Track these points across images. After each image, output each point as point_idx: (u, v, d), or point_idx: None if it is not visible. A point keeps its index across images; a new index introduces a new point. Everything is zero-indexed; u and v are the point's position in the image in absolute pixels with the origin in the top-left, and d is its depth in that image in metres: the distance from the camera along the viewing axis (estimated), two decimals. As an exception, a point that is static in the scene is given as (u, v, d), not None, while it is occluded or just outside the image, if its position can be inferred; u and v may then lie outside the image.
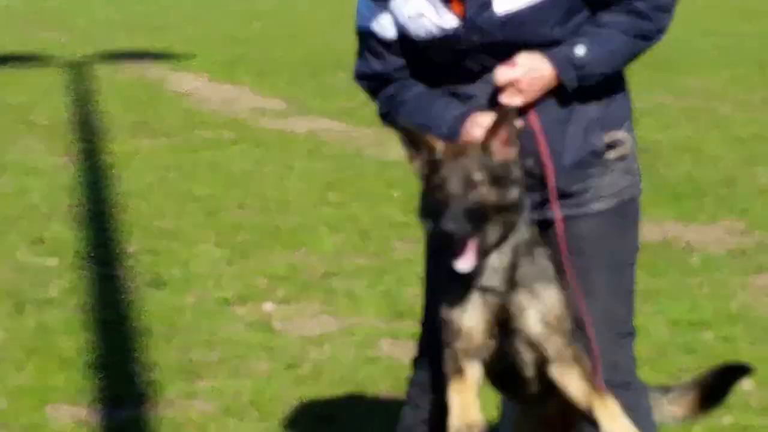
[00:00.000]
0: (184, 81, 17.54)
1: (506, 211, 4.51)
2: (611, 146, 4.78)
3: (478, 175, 4.47)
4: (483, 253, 4.48)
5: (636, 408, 4.70)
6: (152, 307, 8.25)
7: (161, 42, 21.14)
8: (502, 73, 4.63)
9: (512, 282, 4.55)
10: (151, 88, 16.83)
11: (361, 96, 15.72)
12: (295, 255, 9.48)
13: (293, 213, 10.62)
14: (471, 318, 4.57)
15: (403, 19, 4.80)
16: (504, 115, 4.55)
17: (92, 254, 9.39)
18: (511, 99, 4.63)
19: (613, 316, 4.78)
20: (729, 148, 11.88)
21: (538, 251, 4.61)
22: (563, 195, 4.73)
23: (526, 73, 4.64)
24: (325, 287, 8.72)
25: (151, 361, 7.36)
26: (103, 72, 18.01)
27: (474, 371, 4.58)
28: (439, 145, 4.56)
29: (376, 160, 12.50)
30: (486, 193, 4.47)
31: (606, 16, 4.71)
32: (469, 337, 4.57)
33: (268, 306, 8.35)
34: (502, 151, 4.52)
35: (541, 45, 4.68)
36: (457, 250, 4.43)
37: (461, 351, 4.57)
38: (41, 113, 14.94)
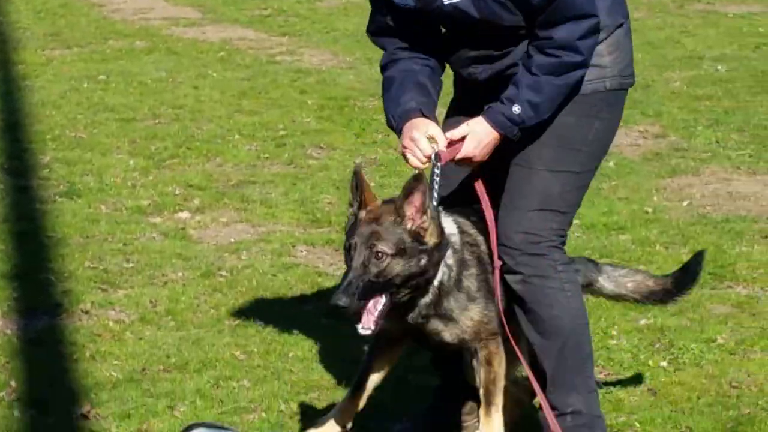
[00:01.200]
0: (96, -10, 17.40)
1: (414, 278, 4.79)
2: None
3: (383, 247, 4.74)
4: (395, 310, 4.83)
5: (550, 275, 4.96)
6: (67, 218, 8.18)
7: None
8: (460, 156, 4.89)
9: (433, 314, 4.92)
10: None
11: (274, 4, 15.65)
12: (210, 164, 9.43)
13: (208, 122, 10.56)
14: (390, 332, 5.02)
15: None
16: (417, 182, 4.77)
17: (5, 165, 9.31)
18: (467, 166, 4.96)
19: (543, 190, 4.97)
20: (642, 53, 11.87)
21: (464, 276, 4.97)
22: None
23: (477, 147, 4.87)
24: (240, 195, 8.68)
25: (66, 271, 7.30)
26: (14, -18, 17.88)
27: (371, 383, 5.13)
28: (367, 205, 4.86)
29: (289, 68, 12.46)
30: (388, 265, 4.74)
31: (535, 62, 4.82)
32: (380, 335, 5.00)
33: (183, 215, 8.31)
34: (415, 218, 4.77)
35: (512, 23, 4.85)
36: (357, 318, 4.76)
37: (375, 346, 5.16)
38: (-49, 24, 14.81)
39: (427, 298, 4.86)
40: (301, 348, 6.32)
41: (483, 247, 5.06)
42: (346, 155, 9.57)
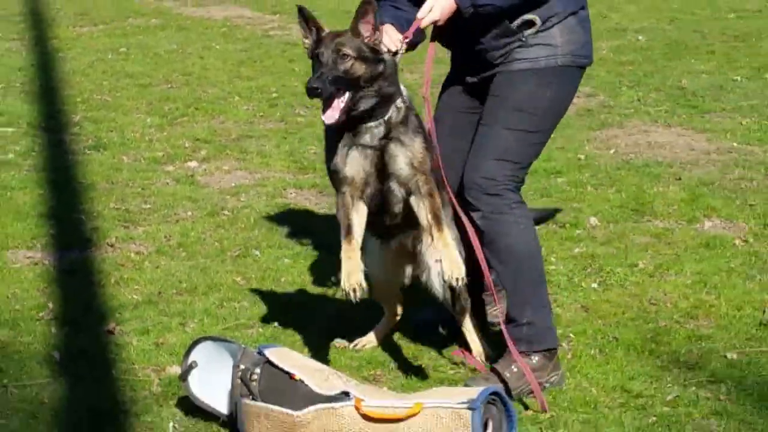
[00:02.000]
0: (117, -23, 17.31)
1: (374, 80, 4.78)
2: (525, 26, 4.97)
3: (347, 50, 4.75)
4: (352, 112, 4.75)
5: (505, 212, 4.99)
6: (94, 167, 8.17)
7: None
8: (425, 19, 4.89)
9: (387, 138, 4.83)
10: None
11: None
12: (214, 121, 9.41)
13: (212, 86, 10.54)
14: (352, 168, 4.86)
15: None
16: (368, 4, 4.77)
17: (42, 124, 9.29)
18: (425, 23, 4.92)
19: (501, 144, 5.02)
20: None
21: (411, 117, 4.90)
22: (493, 63, 5.05)
23: (436, 7, 4.87)
24: (239, 147, 8.67)
25: (94, 212, 7.28)
26: (48, -30, 17.77)
27: (358, 226, 4.91)
28: (323, 30, 4.86)
29: (280, 41, 12.44)
30: (352, 65, 4.74)
31: None
32: (352, 182, 4.87)
33: (192, 164, 8.30)
34: (370, 35, 4.78)
35: None
36: (324, 107, 4.74)
37: (348, 194, 4.90)
38: (-5, 5, 14.72)
39: (380, 129, 4.82)
40: (291, 274, 6.31)
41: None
42: (329, 113, 9.54)
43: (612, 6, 13.84)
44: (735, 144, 8.51)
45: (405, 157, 4.86)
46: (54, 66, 11.41)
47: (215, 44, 12.38)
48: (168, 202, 7.46)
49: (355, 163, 4.86)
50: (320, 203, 7.48)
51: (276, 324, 5.68)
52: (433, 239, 4.87)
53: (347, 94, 4.73)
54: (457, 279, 4.79)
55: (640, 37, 12.10)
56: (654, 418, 4.74)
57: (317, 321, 5.71)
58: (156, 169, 8.17)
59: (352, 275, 4.77)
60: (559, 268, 6.27)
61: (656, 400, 4.90)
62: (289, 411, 4.52)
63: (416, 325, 5.61)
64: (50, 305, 5.88)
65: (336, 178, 4.94)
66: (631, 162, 8.14)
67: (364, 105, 4.79)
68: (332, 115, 4.72)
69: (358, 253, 4.86)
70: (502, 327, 5.00)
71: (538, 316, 5.03)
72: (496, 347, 5.26)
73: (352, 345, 5.47)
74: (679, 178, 7.74)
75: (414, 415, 4.43)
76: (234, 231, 6.96)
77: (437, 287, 5.11)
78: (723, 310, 5.76)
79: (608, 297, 5.94)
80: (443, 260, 4.82)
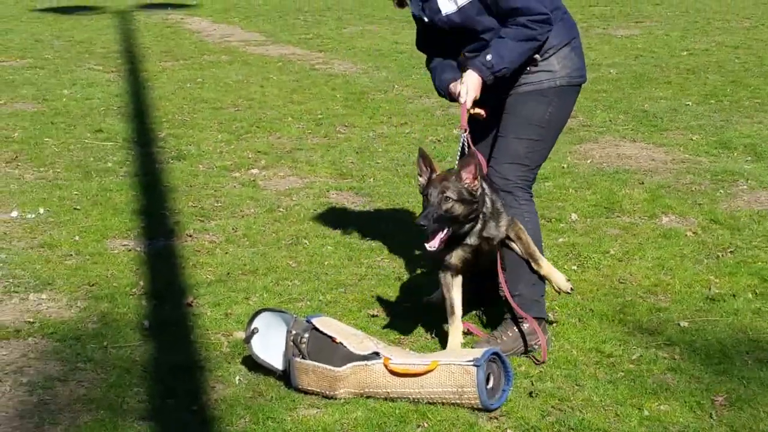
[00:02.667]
0: (194, 22, 17.26)
1: (469, 217, 4.79)
2: (529, 62, 5.02)
3: (450, 194, 4.72)
4: (453, 237, 4.79)
5: (515, 206, 5.02)
6: (176, 173, 8.15)
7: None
8: (464, 97, 4.94)
9: (482, 236, 4.88)
10: (173, 28, 16.54)
11: (314, 31, 15.55)
12: (272, 137, 9.39)
13: (270, 109, 10.51)
14: (457, 259, 4.92)
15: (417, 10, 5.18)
16: (471, 158, 4.79)
17: (135, 139, 9.27)
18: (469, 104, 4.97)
19: (512, 150, 5.07)
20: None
21: (496, 207, 4.91)
22: (507, 90, 5.08)
23: (470, 89, 4.93)
24: (292, 158, 8.64)
25: (176, 209, 7.27)
26: (140, 17, 17.73)
27: (457, 297, 4.96)
28: (435, 172, 4.82)
29: (324, 73, 12.40)
30: (452, 206, 4.72)
31: (503, 31, 4.92)
32: (455, 268, 4.95)
33: (254, 171, 8.27)
34: (470, 180, 4.75)
35: (483, 28, 4.99)
36: (429, 238, 4.69)
37: (449, 275, 4.96)
38: (99, 45, 14.70)
39: (477, 226, 4.85)
40: (333, 258, 6.30)
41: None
42: (363, 130, 9.52)
43: (590, 46, 13.74)
44: (687, 156, 8.46)
45: (498, 233, 4.92)
46: (144, 93, 11.41)
47: (272, 76, 12.36)
48: (235, 201, 7.45)
49: (457, 254, 4.92)
50: (356, 202, 7.45)
51: (320, 298, 5.67)
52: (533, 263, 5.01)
53: (448, 230, 4.74)
54: (567, 292, 5.04)
55: (611, 71, 12.03)
56: (622, 373, 4.73)
57: (354, 296, 5.70)
58: (225, 175, 8.16)
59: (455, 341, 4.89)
60: (546, 254, 6.15)
61: (623, 359, 4.88)
62: (331, 367, 4.53)
63: (428, 302, 5.59)
64: (141, 283, 5.89)
65: (444, 270, 4.97)
66: (604, 169, 8.10)
67: (462, 231, 4.83)
68: (433, 245, 4.72)
69: (460, 326, 4.94)
70: (509, 299, 4.99)
71: (527, 291, 5.02)
72: (495, 317, 5.25)
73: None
74: (642, 183, 7.70)
75: (431, 370, 4.43)
76: (287, 224, 6.95)
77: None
78: (677, 287, 5.73)
79: (585, 277, 5.91)
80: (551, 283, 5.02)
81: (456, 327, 4.92)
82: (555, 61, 5.05)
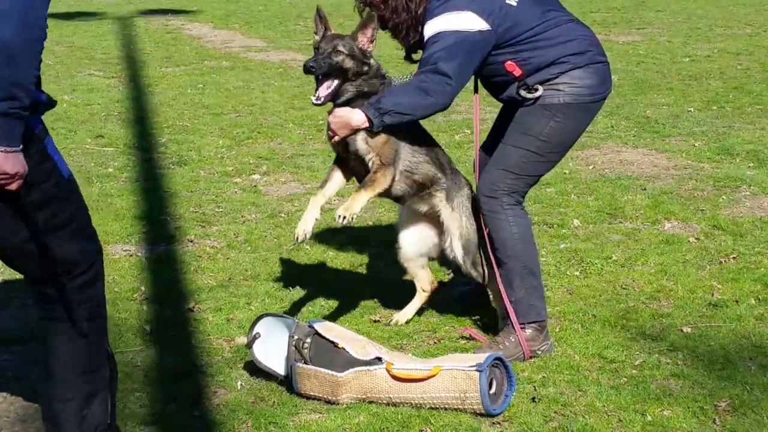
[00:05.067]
0: (195, 28, 17.31)
1: (358, 77, 4.77)
2: (532, 90, 4.95)
3: (341, 47, 4.76)
4: (335, 100, 4.79)
5: (500, 212, 4.98)
6: (177, 179, 8.16)
7: (180, 2, 20.83)
8: (336, 133, 4.88)
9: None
10: (174, 33, 16.58)
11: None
12: (273, 143, 9.41)
13: (271, 115, 10.53)
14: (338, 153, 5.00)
15: None
16: (369, 19, 4.81)
17: (136, 144, 9.30)
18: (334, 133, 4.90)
19: (505, 158, 5.03)
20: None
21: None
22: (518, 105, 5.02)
23: (343, 127, 4.82)
24: (293, 164, 8.66)
25: (177, 214, 7.28)
26: (141, 22, 17.78)
27: (334, 181, 5.05)
28: (330, 31, 4.87)
29: (326, 79, 12.41)
30: (342, 59, 4.75)
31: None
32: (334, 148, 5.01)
33: (255, 177, 8.29)
34: (365, 43, 4.80)
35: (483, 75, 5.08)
36: (316, 89, 4.78)
37: (336, 157, 5.05)
38: (99, 51, 14.74)
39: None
40: (335, 264, 6.32)
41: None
42: (364, 137, 9.55)
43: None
44: (689, 162, 8.47)
45: (363, 141, 4.84)
46: (145, 99, 11.43)
47: (273, 81, 12.38)
48: (236, 207, 7.46)
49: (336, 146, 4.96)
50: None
51: (322, 303, 5.68)
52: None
53: (335, 82, 4.76)
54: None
55: (613, 77, 12.02)
56: (625, 379, 4.73)
57: (356, 301, 5.71)
58: (227, 180, 8.17)
59: (305, 222, 4.96)
60: (549, 260, 6.25)
61: (626, 364, 4.88)
62: (334, 372, 4.53)
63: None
64: (142, 288, 5.90)
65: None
66: (606, 175, 8.11)
67: (347, 96, 4.80)
68: (319, 96, 4.78)
69: (323, 201, 5.03)
70: (508, 307, 5.00)
71: (522, 296, 5.01)
72: (497, 322, 5.25)
73: (391, 322, 5.42)
74: (645, 189, 7.71)
75: (434, 376, 4.44)
76: (289, 230, 6.95)
77: (458, 253, 5.11)
78: (680, 293, 5.74)
79: (588, 283, 5.92)
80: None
81: (314, 201, 5.01)
82: (560, 82, 4.93)
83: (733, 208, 7.23)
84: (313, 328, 4.70)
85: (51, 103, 3.53)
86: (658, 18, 17.38)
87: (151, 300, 5.72)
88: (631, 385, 4.65)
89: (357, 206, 4.83)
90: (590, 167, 8.35)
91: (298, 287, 5.91)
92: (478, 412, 4.39)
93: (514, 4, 4.91)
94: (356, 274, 6.16)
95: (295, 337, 4.67)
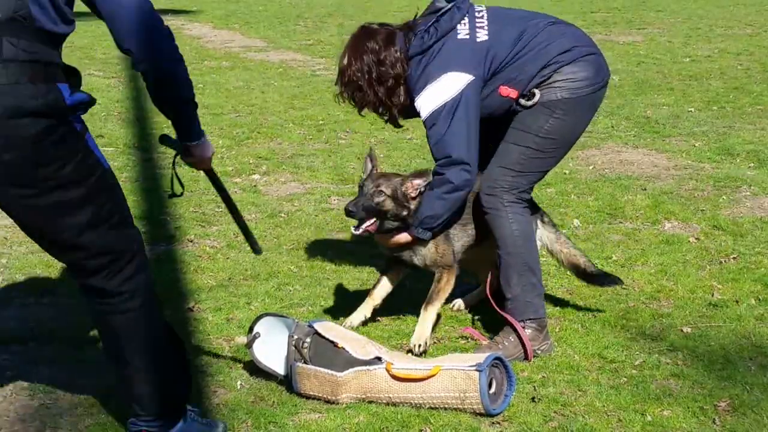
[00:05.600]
0: (195, 28, 17.33)
1: (399, 217, 4.99)
2: (529, 96, 4.99)
3: (384, 188, 4.95)
4: (379, 231, 5.02)
5: (500, 209, 5.01)
6: (177, 179, 8.14)
7: (180, 2, 20.85)
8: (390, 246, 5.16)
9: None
10: (174, 33, 16.58)
11: (315, 37, 15.58)
12: (273, 143, 9.42)
13: (271, 115, 10.55)
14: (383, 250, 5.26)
15: None
16: (425, 173, 4.99)
17: (136, 144, 9.31)
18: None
19: (507, 156, 5.03)
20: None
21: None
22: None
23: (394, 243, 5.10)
24: (293, 164, 8.67)
25: (177, 214, 7.29)
26: (141, 23, 17.81)
27: (385, 285, 5.27)
28: (378, 168, 5.11)
29: (325, 79, 12.43)
30: (384, 200, 4.95)
31: (432, 182, 5.00)
32: (389, 265, 5.30)
33: (255, 176, 8.31)
34: (411, 189, 4.97)
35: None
36: (358, 224, 4.99)
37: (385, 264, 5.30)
38: (99, 51, 14.76)
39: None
40: (334, 263, 6.32)
41: None
42: (364, 137, 9.56)
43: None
44: (689, 162, 8.48)
45: (417, 260, 5.15)
46: (145, 98, 11.43)
47: (274, 82, 12.40)
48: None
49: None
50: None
51: (322, 303, 5.69)
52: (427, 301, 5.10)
53: (375, 221, 4.98)
54: (420, 349, 4.95)
55: (613, 77, 12.05)
56: (625, 379, 4.73)
57: (355, 301, 5.70)
58: (226, 180, 8.15)
59: (353, 319, 5.23)
60: (549, 259, 6.20)
61: (626, 364, 4.89)
62: (333, 372, 4.53)
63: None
64: (143, 288, 5.89)
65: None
66: (606, 176, 8.12)
67: (385, 228, 5.02)
68: (357, 231, 5.00)
69: (374, 303, 5.26)
70: (508, 311, 5.03)
71: (519, 293, 5.02)
72: (497, 322, 5.26)
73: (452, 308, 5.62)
74: (645, 189, 7.72)
75: (434, 375, 4.44)
76: (289, 229, 6.97)
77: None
78: (680, 293, 5.74)
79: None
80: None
81: (364, 305, 5.25)
82: (556, 78, 4.96)
83: (734, 208, 7.24)
84: (313, 327, 4.70)
85: (92, 102, 3.81)
86: (658, 18, 17.40)
87: (151, 299, 5.72)
88: (631, 385, 4.66)
89: (428, 327, 5.02)
90: (590, 167, 8.36)
91: (297, 287, 5.92)
92: (477, 411, 4.40)
93: (486, 38, 4.94)
94: (356, 274, 6.17)
95: (295, 336, 4.68)
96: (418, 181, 4.97)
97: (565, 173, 8.09)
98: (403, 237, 5.05)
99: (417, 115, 4.99)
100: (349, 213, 4.95)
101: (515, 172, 5.00)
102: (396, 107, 5.06)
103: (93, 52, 14.58)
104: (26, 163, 3.54)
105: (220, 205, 7.47)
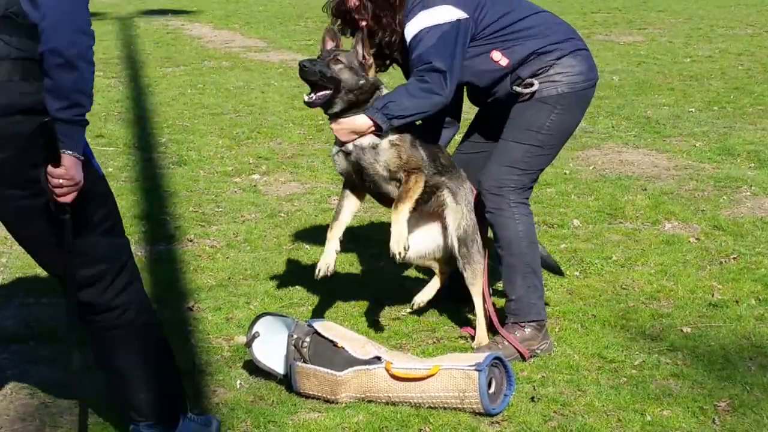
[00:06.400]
0: (195, 28, 17.33)
1: (352, 89, 4.75)
2: (527, 85, 4.98)
3: (342, 57, 4.78)
4: (327, 109, 4.78)
5: (505, 209, 4.98)
6: (177, 179, 8.18)
7: (180, 2, 20.84)
8: (343, 138, 4.86)
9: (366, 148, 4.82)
10: (174, 33, 16.60)
11: (314, 37, 15.59)
12: (273, 143, 9.42)
13: (271, 115, 10.55)
14: (340, 166, 4.95)
15: None
16: (359, 33, 4.82)
17: (135, 144, 9.31)
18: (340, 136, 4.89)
19: (508, 154, 5.03)
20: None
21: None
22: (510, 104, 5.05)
23: (349, 131, 4.83)
24: (293, 164, 8.67)
25: (177, 214, 7.29)
26: (141, 23, 17.81)
27: (348, 207, 5.03)
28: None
29: (326, 79, 12.42)
30: (339, 69, 4.75)
31: (408, 81, 4.92)
32: (345, 175, 4.98)
33: (255, 176, 8.31)
34: (364, 56, 4.79)
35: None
36: (311, 92, 4.75)
37: (345, 183, 5.03)
38: (99, 51, 14.72)
39: (366, 139, 4.83)
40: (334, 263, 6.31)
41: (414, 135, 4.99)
42: (364, 137, 9.56)
43: (592, 53, 13.82)
44: (690, 162, 8.49)
45: (382, 164, 4.84)
46: (144, 99, 11.44)
47: (273, 82, 12.40)
48: (236, 206, 7.47)
49: (341, 163, 4.94)
50: (358, 208, 7.46)
51: (322, 303, 5.69)
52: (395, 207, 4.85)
53: (330, 91, 4.74)
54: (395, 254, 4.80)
55: (614, 78, 12.06)
56: (624, 379, 4.74)
57: (355, 300, 5.72)
58: (226, 180, 8.18)
59: (328, 255, 4.96)
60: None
61: (626, 364, 4.89)
62: (333, 372, 4.54)
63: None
64: (142, 287, 5.90)
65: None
66: (606, 176, 8.12)
67: (339, 106, 4.79)
68: (311, 97, 4.74)
69: (339, 233, 5.02)
70: (490, 309, 5.04)
71: (523, 294, 5.03)
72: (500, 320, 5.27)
73: (414, 305, 5.38)
74: (645, 189, 7.72)
75: (433, 375, 4.45)
76: (288, 229, 6.97)
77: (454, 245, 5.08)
78: (680, 293, 5.75)
79: (588, 283, 5.93)
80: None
81: (330, 233, 5.01)
82: (554, 72, 5.00)
83: (734, 208, 7.25)
84: (313, 327, 4.71)
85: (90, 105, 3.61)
86: (659, 18, 17.40)
87: (151, 299, 5.64)
88: (631, 385, 4.66)
89: (403, 228, 4.81)
90: (591, 167, 8.37)
91: (297, 286, 5.93)
92: (477, 411, 4.40)
93: None
94: (355, 273, 6.18)
95: (295, 336, 4.68)
96: (360, 42, 4.80)
97: (565, 173, 8.10)
98: (360, 120, 4.76)
99: (405, 56, 4.97)
100: (302, 68, 4.70)
101: (520, 170, 5.00)
102: (387, 30, 4.97)
103: (93, 52, 14.61)
104: (20, 162, 3.48)
105: (220, 204, 7.50)
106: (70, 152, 3.45)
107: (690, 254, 6.34)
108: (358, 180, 4.93)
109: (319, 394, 4.57)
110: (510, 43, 4.96)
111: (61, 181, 3.45)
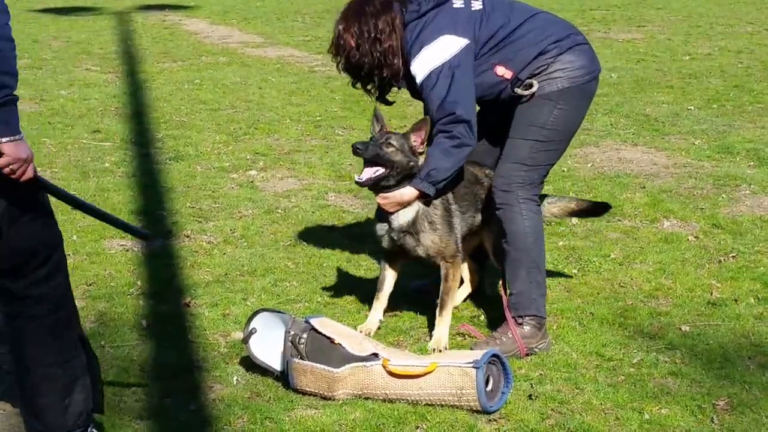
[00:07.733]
0: (193, 24, 17.30)
1: (403, 170, 4.98)
2: (527, 86, 5.03)
3: (393, 141, 4.98)
4: (378, 185, 5.00)
5: (514, 204, 5.04)
6: (174, 174, 8.16)
7: (177, -2, 20.89)
8: (390, 210, 5.11)
9: (410, 231, 5.08)
10: (171, 29, 16.57)
11: (313, 33, 15.58)
12: (270, 138, 9.41)
13: (268, 111, 10.53)
14: (386, 244, 5.18)
15: None
16: (423, 121, 4.99)
17: (132, 139, 9.29)
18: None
19: (517, 151, 5.08)
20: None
21: (433, 211, 5.10)
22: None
23: (396, 202, 5.07)
24: (290, 160, 8.66)
25: (174, 209, 7.28)
26: (138, 18, 17.78)
27: (389, 280, 5.24)
28: (386, 128, 5.14)
29: (323, 75, 12.42)
30: (392, 152, 4.96)
31: (435, 140, 5.01)
32: (387, 250, 5.22)
33: (252, 172, 8.29)
34: (417, 142, 5.00)
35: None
36: (361, 172, 4.98)
37: (385, 255, 5.26)
38: (96, 46, 14.73)
39: (405, 218, 5.07)
40: (331, 260, 6.32)
41: (450, 197, 5.18)
42: (362, 132, 9.53)
43: (590, 49, 13.84)
44: (689, 160, 8.49)
45: (420, 249, 5.11)
46: (142, 94, 11.42)
47: (271, 77, 12.38)
48: (233, 202, 7.46)
49: (385, 240, 5.17)
50: (354, 204, 7.47)
51: (319, 299, 5.69)
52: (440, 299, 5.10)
53: (381, 170, 4.96)
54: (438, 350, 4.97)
55: (612, 75, 12.06)
56: (622, 377, 4.74)
57: (352, 296, 5.71)
58: (223, 176, 8.17)
59: (369, 324, 5.17)
60: (547, 257, 6.20)
61: (624, 362, 4.89)
62: (330, 368, 4.54)
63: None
64: (138, 283, 5.90)
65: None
66: (604, 173, 8.12)
67: (389, 184, 5.00)
68: (362, 178, 4.97)
69: (381, 306, 5.22)
70: (506, 309, 5.04)
71: (524, 289, 5.04)
72: (494, 318, 5.27)
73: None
74: (644, 187, 7.72)
75: (430, 372, 4.44)
76: (286, 226, 6.96)
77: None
78: (678, 292, 5.75)
79: (586, 281, 5.93)
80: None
81: (377, 305, 5.23)
82: (553, 69, 5.02)
83: (733, 206, 7.25)
84: (310, 323, 4.70)
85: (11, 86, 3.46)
86: (658, 16, 17.40)
87: (148, 295, 5.73)
88: (629, 383, 4.66)
89: (445, 332, 5.05)
90: (589, 165, 8.37)
91: (294, 283, 5.92)
92: (474, 408, 4.40)
93: (480, 7, 5.05)
94: (353, 270, 6.17)
95: (292, 332, 4.68)
96: (422, 133, 4.99)
97: (563, 171, 8.10)
98: (407, 191, 5.02)
99: (411, 83, 5.05)
100: (356, 150, 4.93)
101: (528, 166, 5.04)
102: (390, 69, 5.06)
103: (90, 47, 14.57)
104: None
105: (217, 200, 7.49)
106: (7, 139, 3.38)
107: (689, 252, 6.34)
108: (401, 253, 5.20)
109: (316, 391, 4.56)
110: (511, 54, 5.01)
111: (10, 167, 3.43)
